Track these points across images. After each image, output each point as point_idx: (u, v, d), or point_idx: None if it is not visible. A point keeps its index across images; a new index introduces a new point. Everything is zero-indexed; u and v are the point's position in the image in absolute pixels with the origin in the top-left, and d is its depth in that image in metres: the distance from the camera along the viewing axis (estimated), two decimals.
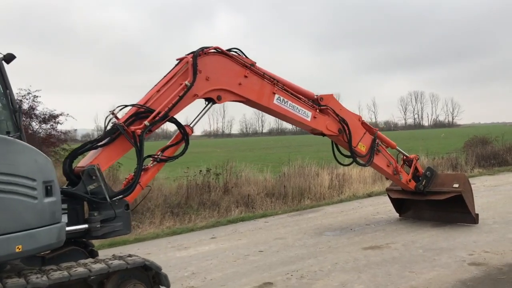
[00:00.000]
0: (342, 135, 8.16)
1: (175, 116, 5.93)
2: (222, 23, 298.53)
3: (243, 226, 10.02)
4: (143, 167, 5.70)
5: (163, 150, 5.98)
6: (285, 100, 7.31)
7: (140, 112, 5.60)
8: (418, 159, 9.52)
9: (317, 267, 6.55)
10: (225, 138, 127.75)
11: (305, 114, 7.61)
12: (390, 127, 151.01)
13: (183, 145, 6.11)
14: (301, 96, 7.63)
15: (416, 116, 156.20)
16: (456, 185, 8.67)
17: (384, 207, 11.23)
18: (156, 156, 5.91)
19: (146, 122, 5.51)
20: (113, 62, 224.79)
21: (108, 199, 5.13)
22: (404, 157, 9.45)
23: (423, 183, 9.08)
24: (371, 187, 16.78)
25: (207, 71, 6.20)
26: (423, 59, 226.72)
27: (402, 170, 9.10)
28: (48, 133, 17.16)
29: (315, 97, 7.98)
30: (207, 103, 6.54)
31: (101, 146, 5.40)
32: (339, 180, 17.11)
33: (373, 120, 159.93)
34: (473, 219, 8.66)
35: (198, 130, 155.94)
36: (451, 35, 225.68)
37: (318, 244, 7.91)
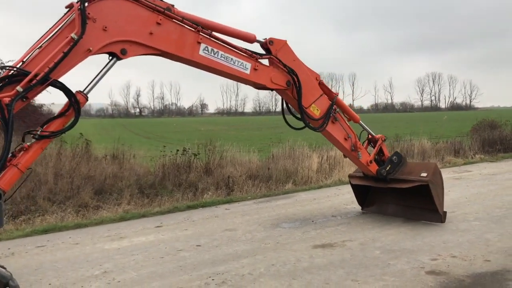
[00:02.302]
0: (291, 90, 6.93)
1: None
2: (246, 4, 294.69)
3: (200, 213, 9.10)
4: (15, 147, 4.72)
5: (44, 124, 4.93)
6: (215, 50, 6.02)
7: (14, 75, 4.52)
8: (384, 139, 8.21)
9: (249, 269, 5.60)
10: (238, 117, 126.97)
11: (243, 66, 6.33)
12: (406, 108, 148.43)
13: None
14: (236, 45, 6.34)
15: (433, 98, 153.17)
16: (424, 174, 7.40)
17: None
18: (34, 132, 4.83)
19: (18, 88, 4.44)
20: None
21: None
22: (369, 136, 8.18)
23: (387, 168, 7.84)
24: None
25: (103, 19, 4.99)
26: (446, 40, 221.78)
27: (363, 148, 7.86)
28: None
29: (263, 40, 6.71)
30: (110, 58, 5.29)
31: None
32: (330, 163, 16.12)
33: (389, 101, 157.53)
34: (439, 217, 7.44)
35: (211, 108, 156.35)
36: (477, 16, 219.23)
37: (266, 239, 6.95)
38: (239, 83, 7.10)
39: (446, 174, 13.70)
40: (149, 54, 5.55)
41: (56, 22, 4.89)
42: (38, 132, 4.77)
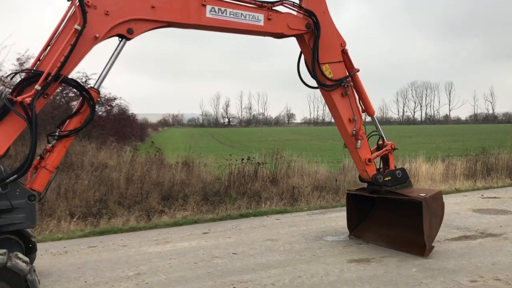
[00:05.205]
0: (309, 35, 6.60)
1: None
2: (346, 12, 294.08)
3: (249, 222, 9.19)
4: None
5: (60, 125, 5.23)
6: (222, 9, 5.90)
7: (29, 78, 4.85)
8: (394, 148, 7.35)
9: (273, 279, 5.57)
10: (325, 126, 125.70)
11: (255, 18, 6.14)
12: (509, 119, 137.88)
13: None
14: None
15: None
16: (422, 195, 6.54)
17: None
18: (53, 133, 5.17)
19: (36, 86, 4.76)
20: (237, 51, 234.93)
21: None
22: (380, 142, 7.40)
23: (386, 178, 7.01)
24: (439, 185, 14.94)
25: (103, 3, 5.14)
26: None
27: (365, 140, 7.10)
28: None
29: None
30: (120, 40, 5.43)
31: None
32: None
33: (490, 112, 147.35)
34: (422, 249, 6.43)
35: (298, 117, 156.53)
36: None
37: (304, 251, 6.86)
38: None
39: None
40: (156, 28, 5.62)
41: (62, 17, 5.10)
42: (57, 133, 5.13)
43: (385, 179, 7.03)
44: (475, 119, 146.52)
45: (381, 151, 7.29)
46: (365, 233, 7.58)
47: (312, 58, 6.69)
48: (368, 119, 7.70)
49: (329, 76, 6.80)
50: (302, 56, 7.11)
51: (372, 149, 7.30)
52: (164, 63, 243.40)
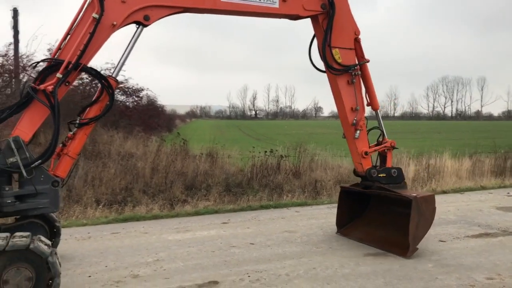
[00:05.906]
0: (323, 17, 6.49)
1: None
2: (380, 6, 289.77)
3: (269, 213, 9.28)
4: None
5: (80, 113, 5.40)
6: None
7: (51, 66, 5.03)
8: (394, 147, 7.09)
9: (288, 270, 5.64)
10: None
11: (270, 0, 6.09)
12: None
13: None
14: None
15: None
16: (413, 194, 6.32)
17: (447, 207, 9.55)
18: (74, 122, 5.35)
19: (58, 74, 4.93)
20: (265, 44, 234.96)
21: (25, 173, 4.81)
22: (380, 138, 7.13)
23: (381, 175, 6.81)
24: (465, 182, 14.71)
25: None
26: None
27: (365, 131, 6.90)
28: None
29: None
30: (137, 27, 5.53)
31: (15, 112, 4.98)
32: (429, 172, 15.32)
33: None
34: (405, 249, 6.19)
35: (326, 111, 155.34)
36: None
37: (321, 243, 6.90)
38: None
39: None
40: (172, 14, 5.68)
41: (80, 6, 5.23)
42: (77, 121, 5.31)
43: (379, 175, 6.85)
44: (508, 115, 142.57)
45: (379, 146, 7.10)
46: (352, 231, 7.38)
47: (324, 39, 6.61)
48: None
49: (338, 61, 6.72)
50: (315, 41, 7.03)
51: (371, 145, 7.14)
52: (193, 55, 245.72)
